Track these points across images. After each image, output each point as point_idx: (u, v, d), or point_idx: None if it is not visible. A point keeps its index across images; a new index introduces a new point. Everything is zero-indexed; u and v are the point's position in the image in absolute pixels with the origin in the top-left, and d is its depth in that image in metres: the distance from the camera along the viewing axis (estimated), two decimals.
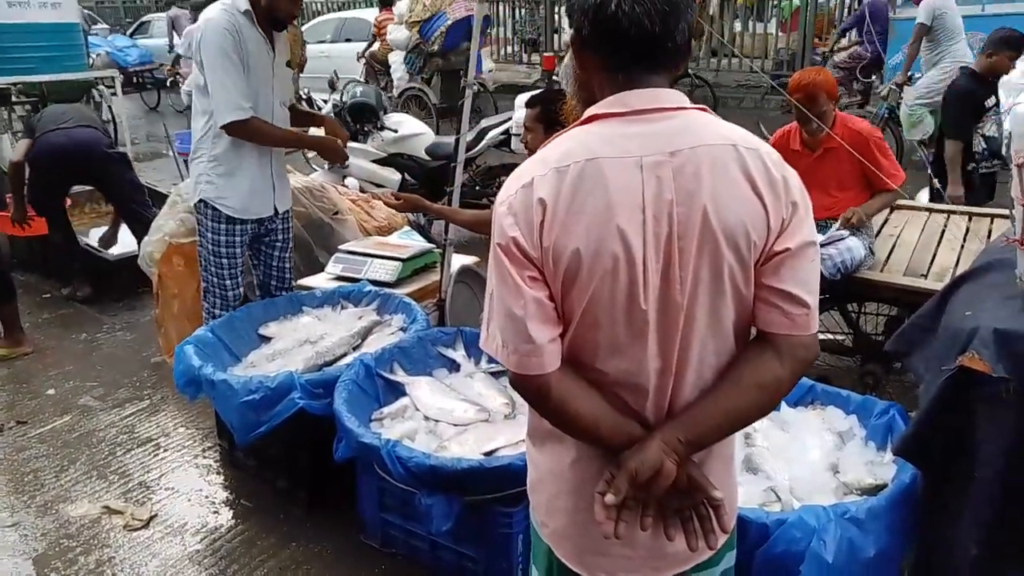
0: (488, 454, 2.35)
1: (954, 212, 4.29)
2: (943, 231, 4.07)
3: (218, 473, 3.15)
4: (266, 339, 3.26)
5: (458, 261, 3.78)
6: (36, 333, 4.55)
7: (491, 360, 2.91)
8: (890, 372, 3.77)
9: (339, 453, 2.46)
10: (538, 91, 3.44)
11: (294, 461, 2.91)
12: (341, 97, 6.54)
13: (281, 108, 3.22)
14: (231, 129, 3.00)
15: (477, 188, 6.65)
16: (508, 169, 6.56)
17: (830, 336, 4.06)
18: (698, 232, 1.22)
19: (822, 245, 3.40)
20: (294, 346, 3.13)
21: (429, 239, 4.37)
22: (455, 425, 2.50)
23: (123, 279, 4.89)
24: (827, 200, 3.61)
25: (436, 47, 9.89)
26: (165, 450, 3.32)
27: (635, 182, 1.21)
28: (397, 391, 2.75)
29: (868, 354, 3.76)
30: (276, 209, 3.33)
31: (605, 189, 1.20)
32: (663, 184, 1.21)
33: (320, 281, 3.73)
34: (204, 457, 3.27)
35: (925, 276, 3.53)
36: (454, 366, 2.91)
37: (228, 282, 3.27)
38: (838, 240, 3.41)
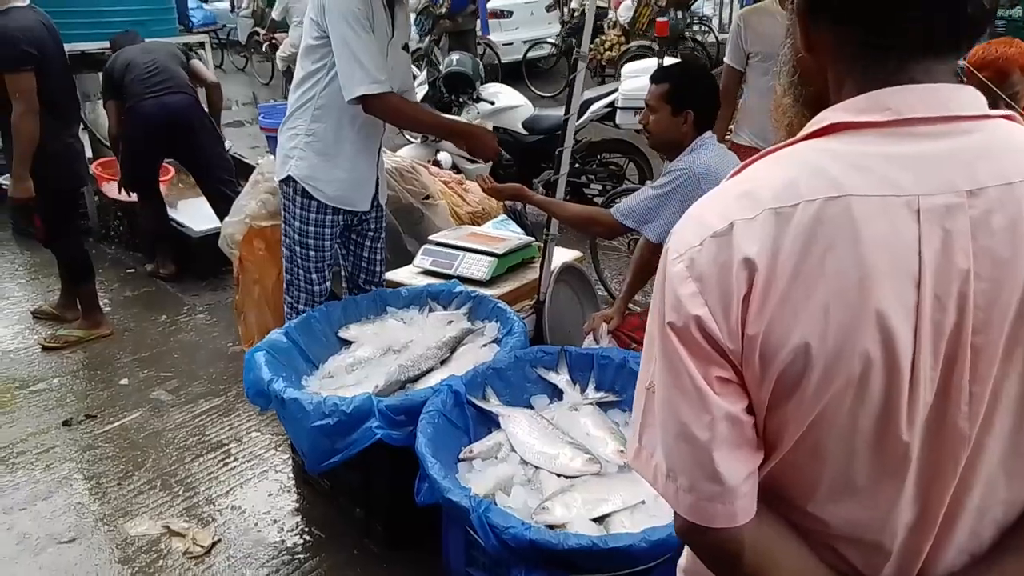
0: (599, 520, 1.93)
1: None
2: None
3: (290, 492, 2.85)
4: (346, 343, 2.92)
5: (559, 257, 3.35)
6: (117, 312, 4.38)
7: (599, 387, 2.48)
8: None
9: (421, 498, 2.08)
10: (671, 63, 2.94)
11: (372, 490, 2.57)
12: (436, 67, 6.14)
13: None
14: (367, 105, 2.62)
15: (577, 166, 6.18)
16: (611, 146, 6.07)
17: None
18: (1010, 324, 0.76)
19: None
20: (376, 354, 2.78)
21: (526, 228, 3.95)
22: (559, 475, 2.09)
23: (207, 257, 4.64)
24: None
25: (444, 9, 9.45)
26: (235, 459, 3.04)
27: (907, 237, 0.75)
28: (489, 420, 2.36)
29: None
30: (376, 202, 2.99)
31: (856, 246, 0.75)
32: (954, 242, 0.75)
33: (407, 275, 3.36)
34: (276, 471, 2.97)
35: None
36: (555, 392, 2.49)
37: (315, 275, 2.94)
38: None
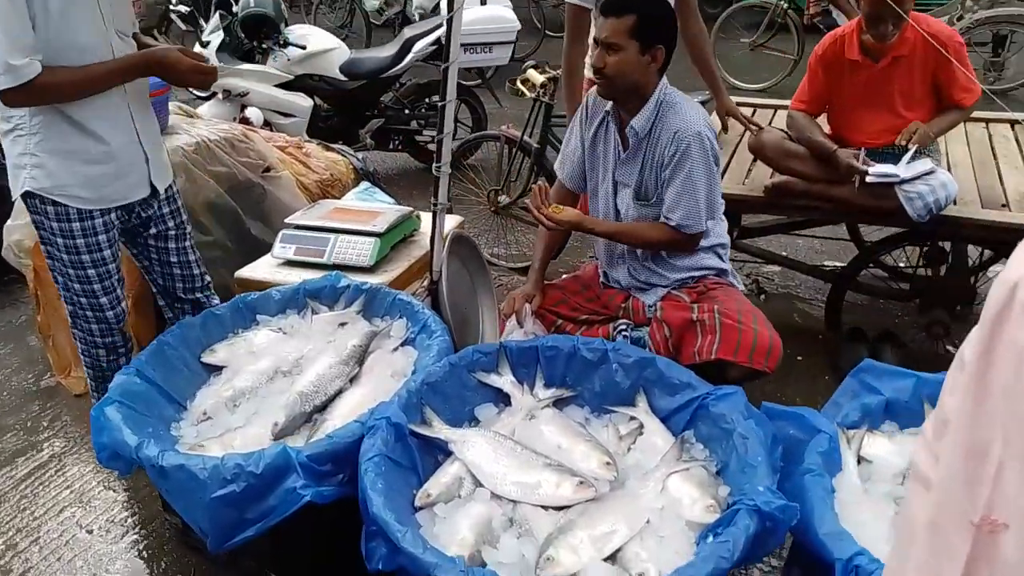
0: (611, 559, 1.62)
1: (991, 121, 3.74)
2: (991, 145, 3.54)
3: (172, 562, 2.29)
4: (215, 369, 2.35)
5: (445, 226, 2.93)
6: None
7: (549, 383, 2.14)
8: (955, 318, 3.25)
9: (378, 564, 1.66)
10: None
11: (286, 554, 2.09)
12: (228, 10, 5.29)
13: (122, 41, 2.17)
14: (8, 100, 1.97)
15: (406, 112, 5.66)
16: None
17: (883, 280, 3.51)
18: None
19: (911, 180, 2.75)
20: (262, 381, 2.25)
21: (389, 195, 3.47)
22: (546, 508, 1.74)
23: None
24: (895, 121, 2.95)
25: None
26: (88, 531, 2.41)
27: None
28: (435, 448, 1.95)
29: (932, 298, 3.21)
30: (154, 187, 2.33)
31: None
32: None
33: (267, 271, 2.80)
34: (149, 537, 2.38)
35: (1007, 207, 2.98)
36: (500, 397, 2.12)
37: (104, 299, 2.30)
38: (927, 174, 2.77)
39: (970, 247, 3.16)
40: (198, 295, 2.56)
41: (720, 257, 2.45)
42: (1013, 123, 3.70)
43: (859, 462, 1.85)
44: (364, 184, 3.42)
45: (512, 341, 2.15)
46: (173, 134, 3.13)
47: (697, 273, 2.43)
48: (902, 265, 3.59)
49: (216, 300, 2.60)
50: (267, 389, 2.22)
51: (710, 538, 1.64)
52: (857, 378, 2.02)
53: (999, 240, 2.94)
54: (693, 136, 2.20)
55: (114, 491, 2.57)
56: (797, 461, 1.79)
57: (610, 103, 2.33)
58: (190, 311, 2.53)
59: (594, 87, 2.40)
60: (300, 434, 2.08)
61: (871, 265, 3.37)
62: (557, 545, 1.60)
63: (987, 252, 3.40)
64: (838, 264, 4.35)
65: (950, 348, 3.29)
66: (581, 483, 1.73)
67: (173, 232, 2.43)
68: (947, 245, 3.21)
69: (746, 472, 1.71)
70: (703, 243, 2.37)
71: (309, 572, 2.10)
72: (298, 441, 2.05)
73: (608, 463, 1.81)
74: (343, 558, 1.85)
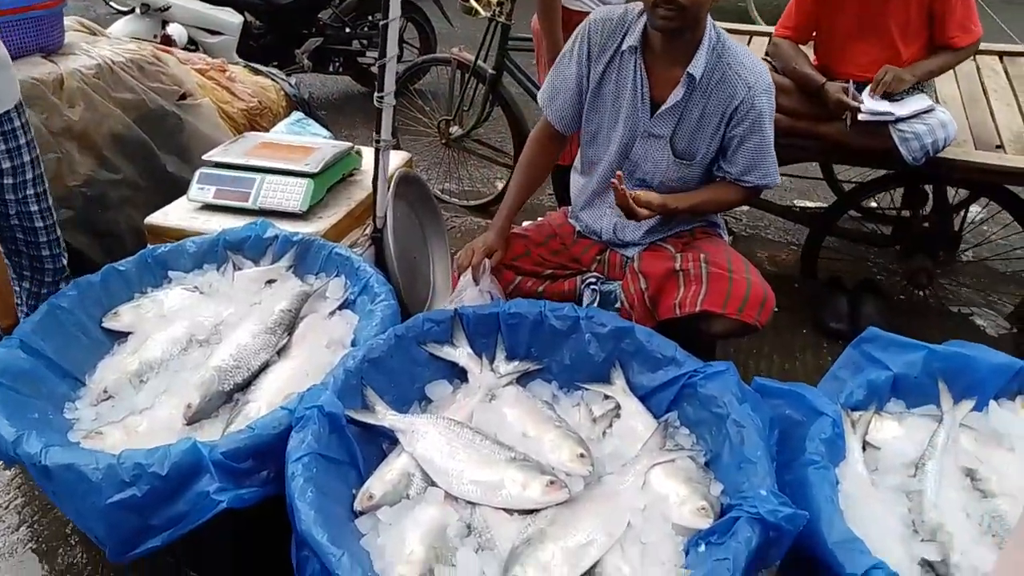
0: (588, 573, 1.37)
1: (980, 53, 3.48)
2: (981, 80, 3.30)
3: (73, 556, 1.98)
4: (120, 336, 2.01)
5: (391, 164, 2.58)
6: None
7: (512, 355, 1.86)
8: (940, 265, 3.05)
9: None
10: None
11: (207, 553, 1.80)
12: None
13: None
14: None
15: (346, 31, 5.18)
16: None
17: (861, 224, 3.29)
18: None
19: (907, 119, 2.49)
20: (174, 351, 1.92)
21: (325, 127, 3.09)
22: (510, 512, 1.48)
23: None
24: (887, 54, 2.67)
25: None
26: None
27: None
28: (378, 434, 1.67)
29: (916, 244, 3.00)
30: None
31: None
32: None
33: (182, 216, 2.42)
34: (46, 529, 2.06)
35: (1002, 147, 2.76)
36: (456, 373, 1.83)
37: None
38: (925, 112, 2.51)
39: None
40: (46, 242, 2.11)
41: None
42: (1001, 55, 3.46)
43: (864, 448, 1.62)
44: (296, 114, 3.02)
45: (469, 308, 1.85)
46: (69, 55, 2.69)
47: (689, 225, 2.16)
48: (882, 209, 3.38)
49: (63, 260, 2.20)
50: (180, 362, 1.90)
51: (702, 547, 1.40)
52: (859, 349, 1.78)
53: (994, 184, 2.72)
54: (765, 91, 1.97)
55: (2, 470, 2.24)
56: (796, 449, 1.55)
57: (628, 37, 1.98)
58: (29, 269, 2.15)
59: (594, 14, 2.05)
60: (219, 417, 1.77)
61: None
62: (524, 563, 1.34)
63: (962, 192, 3.20)
64: (809, 204, 4.13)
65: (939, 303, 3.11)
66: (552, 482, 1.47)
67: (10, 180, 1.97)
68: (928, 188, 3.00)
69: (743, 469, 1.46)
70: None
71: (233, 570, 1.82)
72: (216, 426, 1.74)
73: (582, 455, 1.55)
74: (270, 556, 1.58)
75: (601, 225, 2.21)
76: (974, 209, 3.47)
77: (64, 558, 2.00)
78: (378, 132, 2.33)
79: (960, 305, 3.07)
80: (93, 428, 1.72)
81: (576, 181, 2.29)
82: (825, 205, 4.04)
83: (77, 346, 1.93)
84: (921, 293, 3.01)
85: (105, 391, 1.84)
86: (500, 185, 4.19)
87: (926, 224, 2.98)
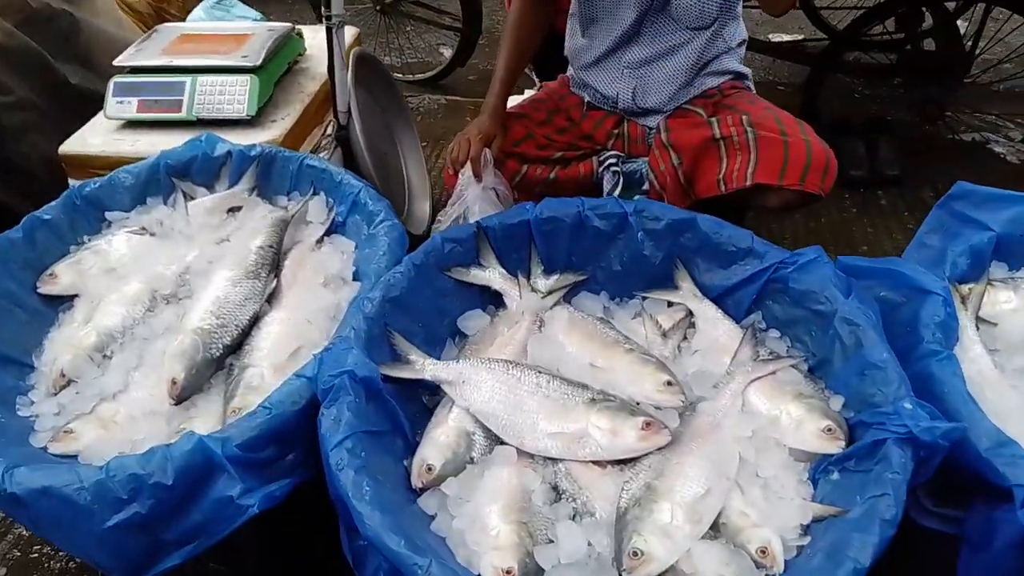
0: (711, 529, 1.15)
1: None
2: None
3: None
4: (63, 301, 1.64)
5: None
6: None
7: (549, 268, 1.56)
8: (951, 91, 2.81)
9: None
10: None
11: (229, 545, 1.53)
12: None
13: None
14: None
15: None
16: None
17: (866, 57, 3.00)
18: None
19: None
20: (135, 314, 1.56)
21: None
22: (601, 465, 1.24)
23: None
24: None
25: None
26: None
27: None
28: (415, 387, 1.38)
29: (921, 69, 2.75)
30: None
31: None
32: None
33: (101, 140, 2.00)
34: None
35: None
36: (488, 299, 1.54)
37: None
38: None
39: None
40: None
41: (741, 58, 1.86)
42: None
43: (977, 327, 1.42)
44: None
45: (493, 219, 1.52)
46: None
47: (717, 80, 1.83)
48: (883, 34, 3.08)
49: None
50: (147, 327, 1.55)
51: (835, 474, 1.20)
52: (948, 208, 1.54)
53: None
54: None
55: None
56: (904, 337, 1.33)
57: None
58: None
59: None
60: (212, 389, 1.45)
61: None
62: (641, 530, 1.11)
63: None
64: (786, 38, 3.81)
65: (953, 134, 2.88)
66: (647, 424, 1.22)
67: None
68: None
69: (868, 376, 1.24)
70: (730, 41, 1.78)
71: (258, 557, 1.57)
72: (212, 401, 1.43)
73: (670, 382, 1.30)
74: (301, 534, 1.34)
75: (617, 91, 1.86)
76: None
77: None
78: (327, 7, 1.91)
79: (974, 132, 2.86)
80: (59, 426, 1.39)
81: (574, 38, 1.92)
82: (801, 37, 3.74)
83: (12, 322, 1.56)
84: (932, 126, 2.79)
85: (63, 375, 1.49)
86: (447, 53, 3.75)
87: (932, 45, 2.72)
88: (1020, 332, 1.39)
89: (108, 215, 1.75)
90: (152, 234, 1.73)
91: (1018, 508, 1.09)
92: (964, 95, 2.80)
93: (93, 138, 1.99)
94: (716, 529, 1.16)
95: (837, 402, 1.28)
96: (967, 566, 1.20)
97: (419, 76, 3.65)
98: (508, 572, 1.07)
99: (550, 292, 1.51)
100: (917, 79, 2.74)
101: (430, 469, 1.24)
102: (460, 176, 1.83)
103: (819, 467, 1.23)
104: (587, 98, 1.94)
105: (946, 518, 1.23)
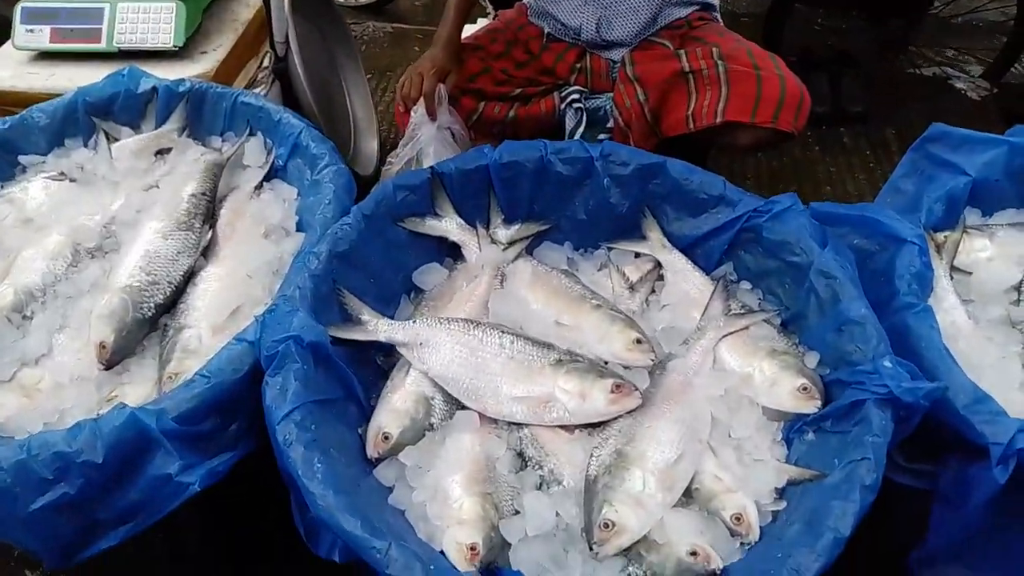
0: (685, 495, 1.10)
1: None
2: None
3: None
4: None
5: None
6: None
7: (510, 217, 1.46)
8: (912, 25, 2.75)
9: (332, 555, 1.07)
10: None
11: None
12: None
13: None
14: None
15: None
16: None
17: None
18: None
19: None
20: (57, 271, 1.42)
21: None
22: (569, 430, 1.17)
23: None
24: None
25: None
26: None
27: None
28: (368, 348, 1.29)
29: (883, 2, 2.67)
30: None
31: None
32: None
33: (11, 74, 1.82)
34: None
35: None
36: (445, 250, 1.44)
37: None
38: None
39: None
40: None
41: None
42: None
43: (951, 276, 1.37)
44: None
45: (449, 164, 1.41)
46: None
47: (684, 11, 1.72)
48: None
49: None
50: (71, 284, 1.41)
51: (809, 434, 1.16)
52: (923, 151, 1.48)
53: None
54: None
55: None
56: (877, 288, 1.28)
57: None
58: None
59: None
60: (146, 352, 1.34)
61: None
62: (611, 499, 1.06)
63: None
64: None
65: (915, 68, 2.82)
66: (617, 386, 1.15)
67: None
68: None
69: (844, 332, 1.18)
70: None
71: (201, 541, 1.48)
72: (145, 365, 1.32)
73: (639, 340, 1.23)
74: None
75: (580, 21, 1.74)
76: None
77: None
78: None
79: (935, 67, 2.80)
80: None
81: None
82: None
83: None
84: (894, 61, 2.73)
85: None
86: None
87: None
88: (995, 282, 1.35)
89: (22, 159, 1.59)
90: (72, 180, 1.58)
91: (994, 466, 1.06)
92: (925, 28, 2.73)
93: (0, 71, 1.80)
94: (688, 495, 1.11)
95: (812, 359, 1.23)
96: (940, 522, 1.17)
97: (362, 1, 3.43)
98: (472, 548, 1.01)
99: (511, 243, 1.42)
100: (879, 9, 2.66)
101: (387, 438, 1.16)
102: (412, 114, 1.70)
103: (793, 427, 1.18)
104: (547, 29, 1.81)
105: (918, 473, 1.21)
